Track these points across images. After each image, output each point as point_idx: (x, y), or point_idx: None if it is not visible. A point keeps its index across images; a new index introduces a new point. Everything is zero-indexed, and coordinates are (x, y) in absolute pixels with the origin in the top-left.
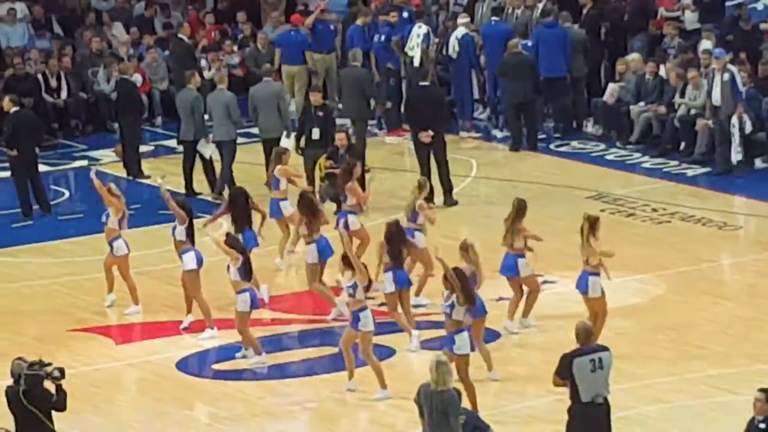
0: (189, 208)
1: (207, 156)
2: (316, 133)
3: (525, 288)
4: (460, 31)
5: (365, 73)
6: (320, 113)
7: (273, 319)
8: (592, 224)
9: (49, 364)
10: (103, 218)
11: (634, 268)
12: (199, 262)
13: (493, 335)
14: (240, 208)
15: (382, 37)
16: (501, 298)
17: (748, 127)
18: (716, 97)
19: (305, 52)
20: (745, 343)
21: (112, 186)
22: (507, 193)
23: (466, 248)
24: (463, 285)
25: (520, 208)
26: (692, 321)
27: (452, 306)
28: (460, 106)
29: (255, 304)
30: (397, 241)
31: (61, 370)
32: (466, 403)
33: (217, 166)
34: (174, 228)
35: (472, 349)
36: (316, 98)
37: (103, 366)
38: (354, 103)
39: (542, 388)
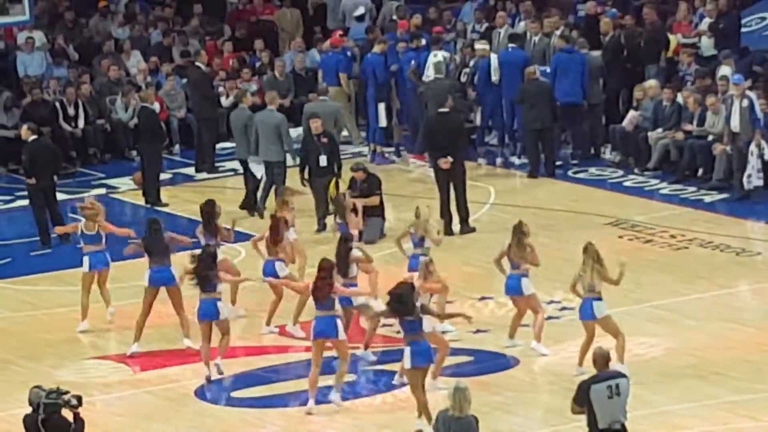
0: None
1: (258, 175)
2: (323, 161)
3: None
4: (495, 57)
5: (339, 107)
6: (324, 140)
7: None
8: (597, 254)
9: (67, 392)
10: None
11: (653, 294)
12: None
13: (512, 361)
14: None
15: (411, 63)
16: (521, 325)
17: (767, 154)
18: (735, 123)
19: (339, 73)
20: (765, 369)
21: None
22: (525, 220)
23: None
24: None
25: (518, 230)
26: (711, 347)
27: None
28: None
29: None
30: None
31: (79, 398)
32: (484, 430)
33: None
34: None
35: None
36: (317, 126)
37: (122, 394)
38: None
39: (560, 415)
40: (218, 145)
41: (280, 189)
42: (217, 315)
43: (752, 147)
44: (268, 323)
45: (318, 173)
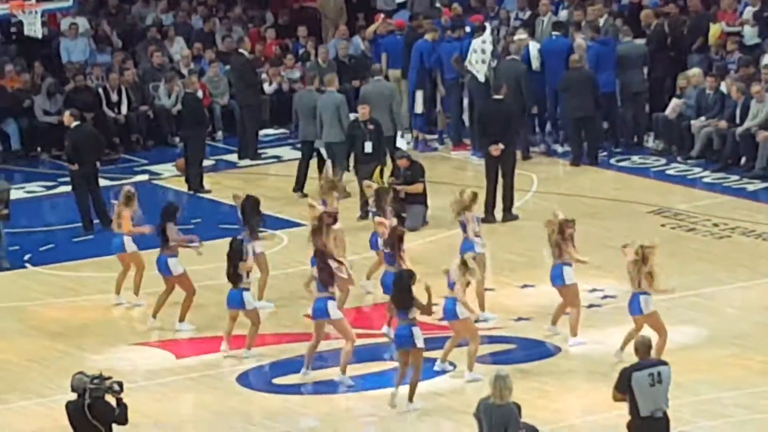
0: None
1: (404, 145)
2: (368, 147)
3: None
4: (534, 45)
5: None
6: (371, 126)
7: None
8: (646, 255)
9: (109, 378)
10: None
11: (696, 282)
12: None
13: (554, 349)
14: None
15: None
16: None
17: None
18: None
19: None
20: None
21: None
22: (567, 207)
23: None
24: None
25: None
26: (754, 335)
27: None
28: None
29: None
30: None
31: (120, 384)
32: (526, 418)
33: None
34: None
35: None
36: (364, 112)
37: (164, 380)
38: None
39: (602, 403)
40: (261, 132)
41: (336, 171)
42: (243, 305)
43: None
44: None
45: (363, 160)
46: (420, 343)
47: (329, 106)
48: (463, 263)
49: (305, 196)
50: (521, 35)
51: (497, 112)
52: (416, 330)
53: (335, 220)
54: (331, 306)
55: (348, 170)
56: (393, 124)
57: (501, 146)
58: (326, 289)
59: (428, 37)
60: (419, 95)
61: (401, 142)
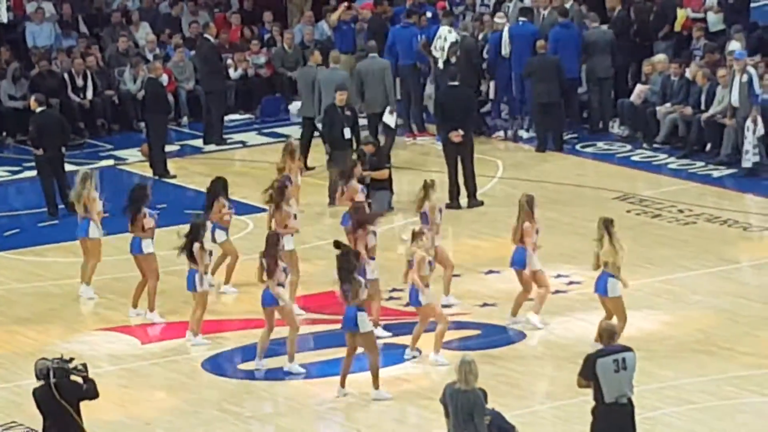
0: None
1: (393, 125)
2: (347, 132)
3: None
4: (506, 31)
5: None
6: (348, 112)
7: (301, 319)
8: (609, 226)
9: (71, 359)
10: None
11: (661, 269)
12: None
13: (519, 335)
14: None
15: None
16: (528, 299)
17: (760, 130)
18: (734, 98)
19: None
20: None
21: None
22: (532, 193)
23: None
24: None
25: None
26: (719, 322)
27: None
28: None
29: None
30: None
31: (84, 365)
32: (490, 404)
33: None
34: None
35: None
36: (342, 98)
37: (130, 366)
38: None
39: (567, 389)
40: (226, 117)
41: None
42: (193, 286)
43: (748, 122)
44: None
45: (341, 145)
46: (364, 328)
47: (332, 82)
48: (412, 234)
49: (310, 169)
50: (501, 19)
51: (455, 99)
52: (361, 314)
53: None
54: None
55: (327, 154)
56: (386, 101)
57: (461, 132)
58: (272, 277)
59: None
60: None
61: (388, 118)
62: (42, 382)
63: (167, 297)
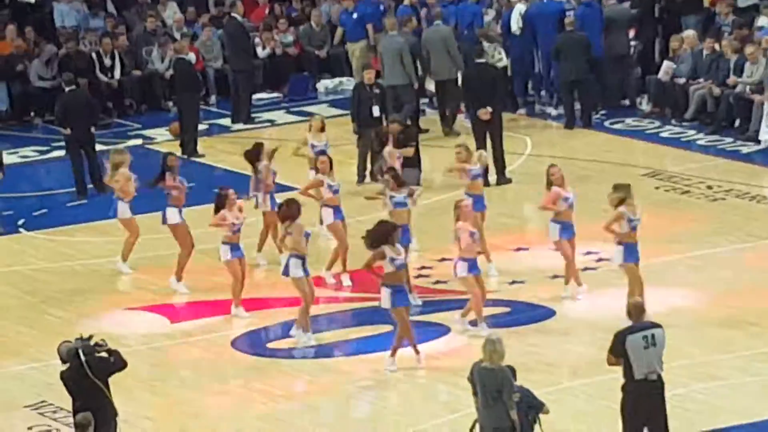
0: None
1: (431, 89)
2: (376, 111)
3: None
4: (521, 7)
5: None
6: (376, 90)
7: (328, 297)
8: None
9: (91, 337)
10: None
11: (689, 245)
12: None
13: (549, 312)
14: None
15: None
16: (555, 276)
17: None
18: (761, 73)
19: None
20: None
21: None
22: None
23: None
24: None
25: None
26: (747, 298)
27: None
28: (521, 83)
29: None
30: None
31: (103, 340)
32: (519, 381)
33: None
34: None
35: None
36: (370, 75)
37: (159, 344)
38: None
39: (597, 366)
40: (254, 96)
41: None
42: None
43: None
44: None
45: (370, 123)
46: (385, 304)
47: (391, 50)
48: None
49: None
50: None
51: (482, 76)
52: (383, 290)
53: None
54: (293, 264)
55: (356, 132)
56: (453, 67)
57: (489, 110)
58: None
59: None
60: None
61: (429, 83)
62: (68, 365)
63: (197, 275)
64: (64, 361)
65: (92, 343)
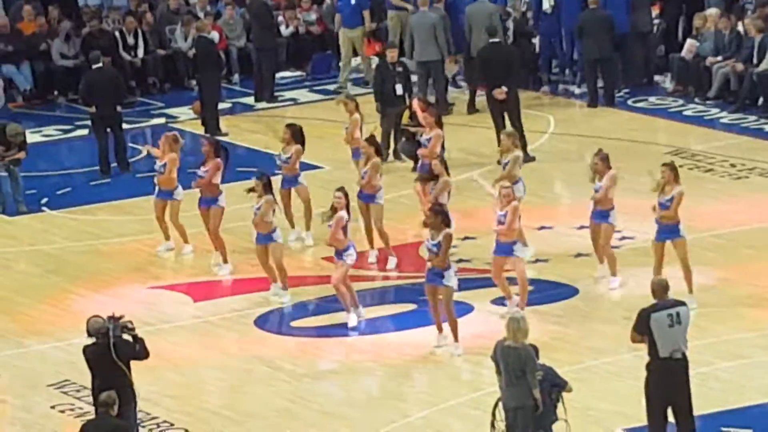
0: None
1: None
2: (399, 89)
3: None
4: None
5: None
6: (399, 69)
7: (353, 276)
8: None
9: (121, 317)
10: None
11: (713, 223)
12: None
13: (572, 291)
14: None
15: None
16: (579, 255)
17: None
18: None
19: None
20: None
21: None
22: (584, 149)
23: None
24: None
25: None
26: None
27: (439, 245)
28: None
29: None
30: None
31: (131, 322)
32: (543, 360)
33: None
34: None
35: None
36: (393, 54)
37: (182, 323)
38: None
39: (620, 344)
40: (278, 75)
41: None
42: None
43: None
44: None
45: (393, 102)
46: (447, 282)
47: (424, 25)
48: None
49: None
50: None
51: (497, 56)
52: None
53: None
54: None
55: (378, 111)
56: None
57: (504, 89)
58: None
59: None
60: None
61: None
62: (93, 340)
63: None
64: (90, 335)
65: (123, 322)
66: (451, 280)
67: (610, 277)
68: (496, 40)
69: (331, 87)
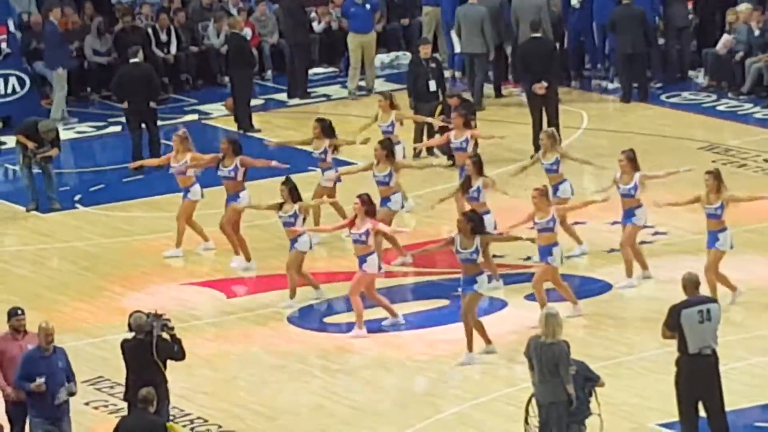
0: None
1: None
2: (432, 85)
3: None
4: None
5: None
6: (433, 65)
7: (385, 272)
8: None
9: (162, 315)
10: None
11: (746, 218)
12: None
13: (605, 286)
14: None
15: None
16: (612, 250)
17: None
18: None
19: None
20: None
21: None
22: (618, 144)
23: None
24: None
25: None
26: None
27: (477, 251)
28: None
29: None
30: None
31: (169, 320)
32: (576, 355)
33: None
34: None
35: None
36: (426, 50)
37: (215, 320)
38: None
39: (652, 340)
40: (310, 71)
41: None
42: None
43: None
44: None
45: (426, 98)
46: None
47: (472, 18)
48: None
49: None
50: None
51: (537, 50)
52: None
53: None
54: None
55: (412, 107)
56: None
57: (544, 84)
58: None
59: None
60: (453, 34)
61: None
62: (134, 335)
63: (252, 251)
64: (131, 330)
65: (164, 321)
66: (483, 286)
67: (628, 279)
68: (538, 34)
69: (363, 83)
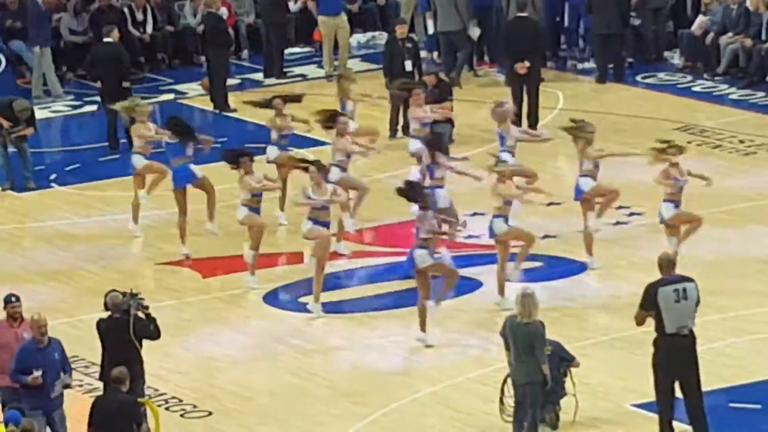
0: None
1: (475, 37)
2: (408, 65)
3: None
4: None
5: None
6: (409, 45)
7: (357, 251)
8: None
9: (137, 294)
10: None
11: (722, 199)
12: None
13: (581, 266)
14: None
15: None
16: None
17: None
18: None
19: None
20: None
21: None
22: (594, 125)
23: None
24: None
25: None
26: None
27: None
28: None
29: None
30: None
31: (145, 299)
32: (551, 335)
33: None
34: None
35: None
36: (402, 30)
37: (191, 299)
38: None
39: (628, 320)
40: (287, 51)
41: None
42: None
43: None
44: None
45: (402, 78)
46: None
47: None
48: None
49: None
50: None
51: (522, 30)
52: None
53: None
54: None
55: (388, 87)
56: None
57: (527, 64)
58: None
59: None
60: (428, 17)
61: (473, 31)
62: (109, 314)
63: (227, 230)
64: (107, 310)
65: (138, 299)
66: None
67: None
68: (524, 14)
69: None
